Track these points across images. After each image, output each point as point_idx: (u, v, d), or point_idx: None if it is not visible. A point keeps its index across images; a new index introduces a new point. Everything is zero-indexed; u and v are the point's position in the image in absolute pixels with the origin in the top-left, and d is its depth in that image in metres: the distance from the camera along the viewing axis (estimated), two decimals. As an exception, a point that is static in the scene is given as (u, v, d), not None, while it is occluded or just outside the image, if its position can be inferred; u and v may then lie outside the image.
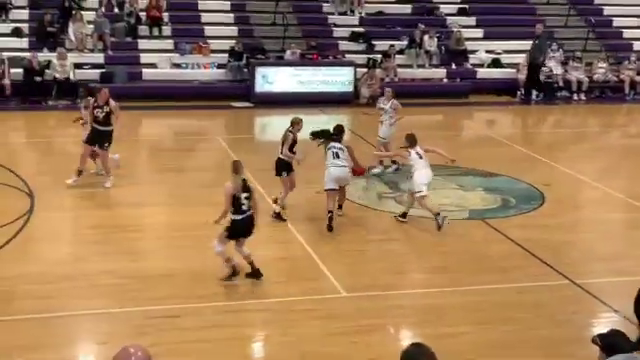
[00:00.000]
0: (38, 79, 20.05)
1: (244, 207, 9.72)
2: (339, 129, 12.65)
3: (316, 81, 21.97)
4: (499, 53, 24.45)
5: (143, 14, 22.76)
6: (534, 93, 23.39)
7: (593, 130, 21.58)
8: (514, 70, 23.91)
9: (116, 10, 22.95)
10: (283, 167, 12.37)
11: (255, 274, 10.02)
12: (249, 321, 9.37)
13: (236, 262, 9.91)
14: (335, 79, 22.14)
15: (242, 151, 16.36)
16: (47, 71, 20.20)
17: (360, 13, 24.69)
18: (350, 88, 22.13)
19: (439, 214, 12.04)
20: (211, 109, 20.64)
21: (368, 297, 9.67)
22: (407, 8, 25.45)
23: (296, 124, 12.33)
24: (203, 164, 15.93)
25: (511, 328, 9.22)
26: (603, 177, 15.67)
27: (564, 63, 24.11)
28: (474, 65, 24.14)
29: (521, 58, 23.74)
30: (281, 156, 12.33)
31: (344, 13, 24.62)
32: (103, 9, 22.61)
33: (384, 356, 7.85)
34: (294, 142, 12.29)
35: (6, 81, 20.05)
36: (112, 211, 12.61)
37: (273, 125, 20.73)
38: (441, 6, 25.71)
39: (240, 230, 9.81)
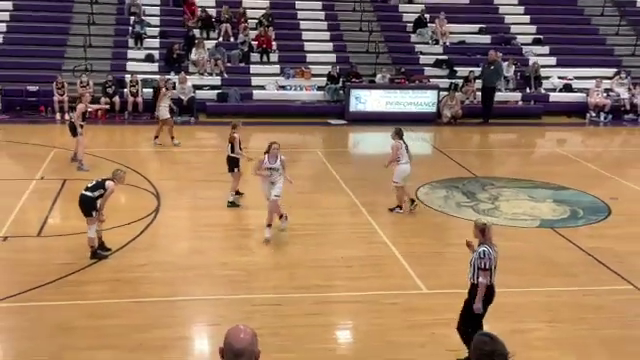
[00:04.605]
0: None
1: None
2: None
3: (403, 102, 21.92)
4: (570, 79, 23.85)
5: (255, 43, 23.27)
6: (602, 115, 22.66)
7: (659, 149, 20.71)
8: (584, 94, 23.26)
9: (232, 39, 23.56)
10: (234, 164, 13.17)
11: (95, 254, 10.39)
12: (340, 311, 9.42)
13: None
14: (420, 100, 22.01)
15: (337, 162, 16.52)
16: (173, 91, 20.79)
17: (444, 43, 24.53)
18: (433, 109, 21.98)
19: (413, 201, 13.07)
20: (311, 125, 20.87)
21: (446, 294, 9.57)
22: (487, 38, 25.13)
23: (236, 127, 13.09)
24: (303, 173, 16.09)
25: (578, 327, 8.98)
26: (667, 193, 15.03)
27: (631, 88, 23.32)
28: (547, 90, 23.60)
29: (590, 83, 23.10)
30: (231, 155, 13.07)
31: (429, 42, 24.47)
32: (221, 39, 23.28)
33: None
34: (238, 142, 13.05)
35: (139, 99, 20.90)
36: (226, 212, 12.90)
37: (365, 140, 20.80)
38: (518, 36, 25.29)
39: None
